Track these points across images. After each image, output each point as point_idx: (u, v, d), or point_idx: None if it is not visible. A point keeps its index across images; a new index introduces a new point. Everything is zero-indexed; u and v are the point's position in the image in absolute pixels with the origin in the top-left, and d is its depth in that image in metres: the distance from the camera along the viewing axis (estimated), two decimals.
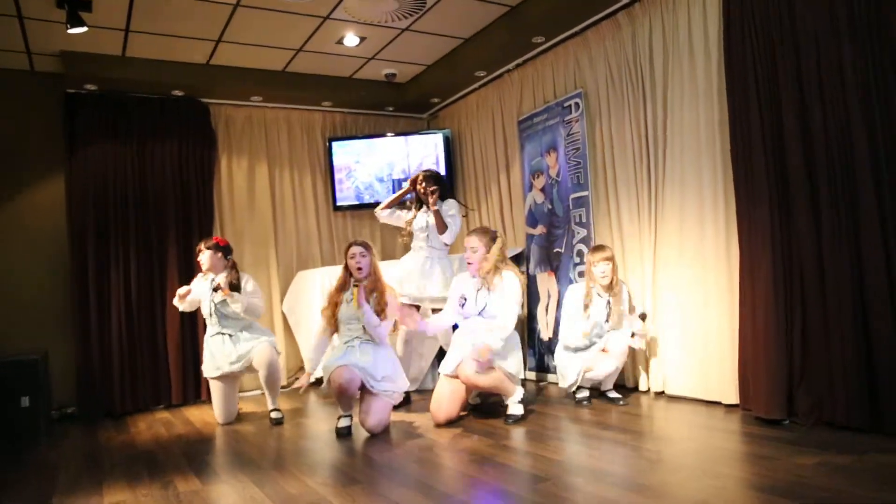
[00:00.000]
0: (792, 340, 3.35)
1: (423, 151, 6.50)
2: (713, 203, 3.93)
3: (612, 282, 4.22)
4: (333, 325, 4.05)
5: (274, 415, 4.49)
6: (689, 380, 4.07)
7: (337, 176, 6.44)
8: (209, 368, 4.57)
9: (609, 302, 4.23)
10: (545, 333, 5.18)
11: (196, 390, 5.52)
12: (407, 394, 4.63)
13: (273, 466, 3.34)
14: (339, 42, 5.31)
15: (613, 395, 4.25)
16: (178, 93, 5.73)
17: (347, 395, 3.84)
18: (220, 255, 4.59)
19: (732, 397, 3.73)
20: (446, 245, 4.79)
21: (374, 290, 4.01)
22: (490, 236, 4.09)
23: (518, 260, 5.48)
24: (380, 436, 3.81)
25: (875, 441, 2.91)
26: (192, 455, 3.69)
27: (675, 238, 4.19)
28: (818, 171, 3.23)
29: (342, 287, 4.07)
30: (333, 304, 4.04)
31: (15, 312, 5.11)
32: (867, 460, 2.68)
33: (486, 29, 5.23)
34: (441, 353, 5.18)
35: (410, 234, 4.81)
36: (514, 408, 3.92)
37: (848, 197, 3.13)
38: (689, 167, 4.09)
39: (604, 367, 4.16)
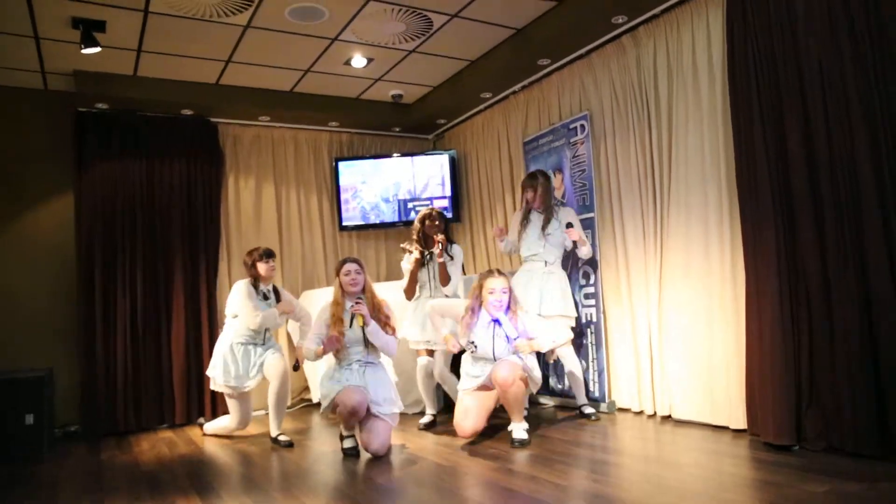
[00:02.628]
0: (799, 365, 3.33)
1: (429, 172, 6.52)
2: (718, 224, 3.93)
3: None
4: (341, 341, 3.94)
5: (282, 438, 4.37)
6: (695, 404, 4.04)
7: (343, 196, 6.47)
8: (229, 380, 4.44)
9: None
10: (549, 357, 5.14)
11: (200, 410, 5.50)
12: (433, 416, 4.62)
13: (276, 488, 3.32)
14: (347, 63, 5.36)
15: (588, 409, 4.47)
16: (187, 112, 5.78)
17: (357, 417, 3.82)
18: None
19: (740, 422, 3.69)
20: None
21: (374, 306, 4.01)
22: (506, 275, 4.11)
23: None
24: (382, 458, 3.78)
25: (885, 468, 2.87)
26: (195, 475, 3.67)
27: (680, 260, 4.18)
28: (823, 192, 3.23)
29: (338, 304, 4.00)
30: (339, 321, 3.95)
31: (21, 329, 5.13)
32: (877, 489, 2.64)
33: (492, 51, 5.28)
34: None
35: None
36: (519, 433, 3.87)
37: (853, 218, 3.12)
38: (694, 189, 4.09)
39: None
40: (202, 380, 5.42)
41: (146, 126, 5.63)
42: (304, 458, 4.03)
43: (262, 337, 4.58)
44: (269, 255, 4.58)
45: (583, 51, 4.92)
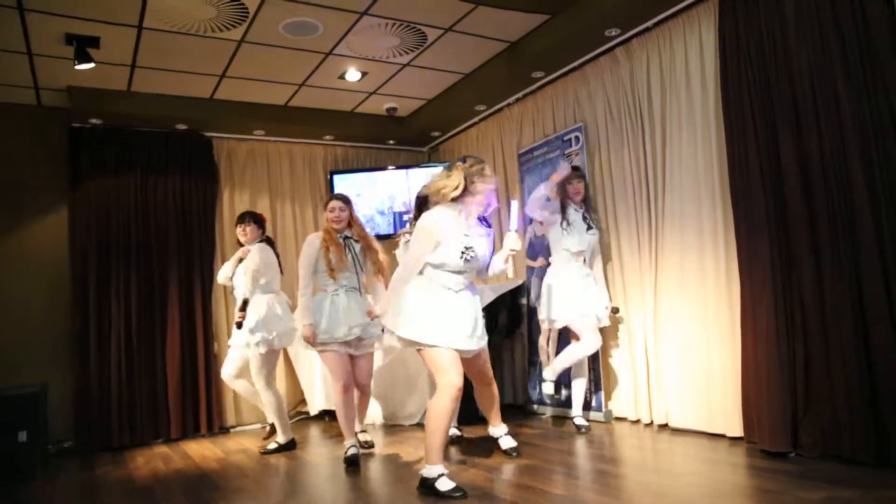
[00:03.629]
0: (795, 372, 3.34)
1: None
2: (713, 234, 3.95)
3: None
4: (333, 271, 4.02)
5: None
6: (692, 412, 4.05)
7: None
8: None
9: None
10: (546, 366, 5.14)
11: (195, 424, 5.47)
12: (460, 433, 4.39)
13: (272, 503, 3.29)
14: (342, 77, 5.39)
15: (581, 421, 4.42)
16: (181, 126, 5.79)
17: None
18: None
19: (736, 430, 3.70)
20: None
21: (368, 248, 4.16)
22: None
23: (518, 292, 5.48)
24: (382, 470, 3.76)
25: (881, 475, 2.88)
26: (191, 491, 3.64)
27: (675, 270, 4.20)
28: (816, 202, 3.26)
29: (330, 240, 4.07)
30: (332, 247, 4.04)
31: (15, 344, 5.09)
32: (873, 496, 2.65)
33: (486, 64, 5.32)
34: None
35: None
36: (507, 441, 3.82)
37: (847, 228, 3.15)
38: (689, 199, 4.12)
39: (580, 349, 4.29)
40: (198, 394, 5.41)
41: (140, 141, 5.64)
42: (301, 471, 4.01)
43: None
44: (238, 220, 4.80)
45: (576, 63, 4.97)
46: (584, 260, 4.45)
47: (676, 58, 4.20)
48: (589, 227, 4.45)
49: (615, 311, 4.57)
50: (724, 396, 3.81)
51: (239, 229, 4.76)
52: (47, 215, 5.40)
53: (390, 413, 5.35)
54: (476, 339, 3.31)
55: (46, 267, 5.32)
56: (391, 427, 5.22)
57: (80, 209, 5.34)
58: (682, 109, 4.18)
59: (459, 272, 3.27)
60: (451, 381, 3.12)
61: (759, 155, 3.53)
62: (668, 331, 4.24)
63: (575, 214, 4.45)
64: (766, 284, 3.45)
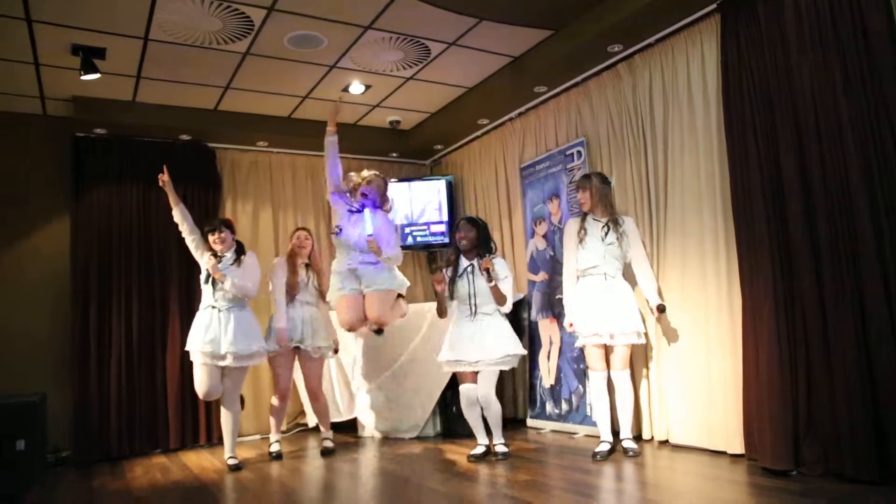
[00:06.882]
0: (797, 389, 3.33)
1: (427, 197, 6.55)
2: (714, 250, 3.95)
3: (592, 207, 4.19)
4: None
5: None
6: (693, 429, 4.03)
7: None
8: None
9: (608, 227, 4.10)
10: (547, 381, 5.13)
11: (194, 434, 5.45)
12: (486, 447, 4.26)
13: None
14: (345, 90, 5.42)
15: (629, 444, 4.00)
16: (185, 137, 5.82)
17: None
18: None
19: (738, 447, 3.68)
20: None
21: (318, 273, 4.89)
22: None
23: (520, 306, 5.47)
24: (379, 482, 3.74)
25: (884, 493, 2.86)
26: (189, 501, 3.62)
27: (676, 284, 4.20)
28: (818, 219, 3.26)
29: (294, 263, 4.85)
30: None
31: (15, 353, 5.08)
32: None
33: (489, 78, 5.34)
34: (443, 401, 5.13)
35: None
36: (501, 448, 4.12)
37: (849, 244, 3.14)
38: (690, 215, 4.13)
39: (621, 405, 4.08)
40: (196, 404, 5.38)
41: (144, 151, 5.66)
42: (298, 483, 3.99)
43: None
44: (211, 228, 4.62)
45: (579, 78, 4.99)
46: (606, 276, 4.09)
47: (679, 74, 4.22)
48: (604, 238, 4.10)
49: (661, 309, 4.06)
50: (725, 413, 3.79)
51: (214, 237, 4.53)
52: (50, 224, 5.42)
53: (391, 426, 5.33)
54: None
55: (48, 276, 5.32)
56: (393, 440, 5.20)
57: (83, 219, 5.35)
58: (683, 125, 4.19)
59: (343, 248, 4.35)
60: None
61: (761, 170, 3.54)
62: (668, 345, 4.23)
63: (593, 227, 4.16)
64: (767, 300, 3.44)
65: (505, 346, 4.14)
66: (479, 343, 4.13)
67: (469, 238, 4.29)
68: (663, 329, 4.26)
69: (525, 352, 4.35)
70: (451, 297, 4.33)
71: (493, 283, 4.11)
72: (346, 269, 4.30)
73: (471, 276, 4.24)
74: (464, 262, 4.31)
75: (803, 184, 3.34)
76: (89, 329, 5.22)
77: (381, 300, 4.27)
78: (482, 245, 4.31)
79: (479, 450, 4.20)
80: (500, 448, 4.14)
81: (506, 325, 4.25)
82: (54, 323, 5.28)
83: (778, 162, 3.47)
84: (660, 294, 4.18)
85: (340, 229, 4.26)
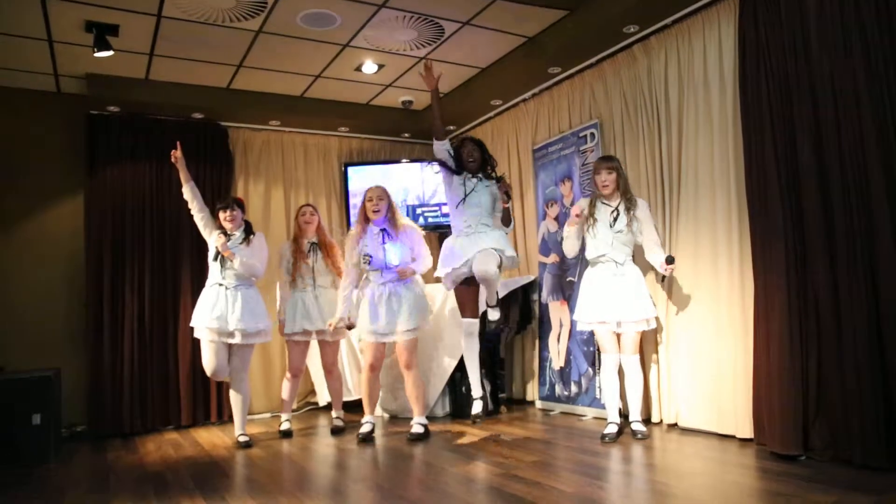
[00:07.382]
0: (807, 375, 3.32)
1: (438, 178, 6.50)
2: (727, 235, 3.92)
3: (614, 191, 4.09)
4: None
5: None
6: (702, 413, 4.03)
7: (352, 201, 6.48)
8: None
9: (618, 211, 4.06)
10: (556, 363, 5.15)
11: (206, 411, 5.52)
12: (483, 399, 4.44)
13: (280, 491, 3.32)
14: (358, 69, 5.39)
15: (638, 426, 4.01)
16: (197, 115, 5.82)
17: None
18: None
19: (747, 431, 3.68)
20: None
21: (329, 248, 4.99)
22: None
23: (530, 288, 5.47)
24: (387, 461, 3.78)
25: (893, 480, 2.86)
26: (201, 477, 3.68)
27: (688, 270, 4.18)
28: (834, 205, 3.23)
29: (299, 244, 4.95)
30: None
31: (30, 329, 5.16)
32: (885, 500, 2.63)
33: (503, 59, 5.30)
34: (451, 383, 5.16)
35: None
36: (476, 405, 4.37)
37: (864, 231, 3.11)
38: (704, 200, 4.10)
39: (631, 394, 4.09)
40: (208, 382, 5.43)
41: (157, 129, 5.67)
42: (310, 460, 4.04)
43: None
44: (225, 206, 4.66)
45: (593, 59, 4.94)
46: (616, 264, 4.05)
47: (695, 56, 4.17)
48: (613, 224, 4.04)
49: (669, 261, 3.90)
50: (734, 397, 3.79)
51: (226, 215, 4.58)
52: (64, 201, 5.46)
53: (400, 407, 5.37)
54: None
55: (62, 253, 5.38)
56: (403, 419, 5.24)
57: (96, 196, 5.38)
58: (699, 108, 4.14)
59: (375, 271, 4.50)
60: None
61: (777, 155, 3.50)
62: (679, 329, 4.22)
63: (602, 212, 4.11)
64: (780, 286, 3.42)
65: (498, 244, 4.20)
66: (477, 247, 4.18)
67: (476, 158, 4.44)
68: (673, 301, 4.25)
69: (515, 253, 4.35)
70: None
71: (508, 204, 4.35)
72: (377, 295, 4.46)
73: (477, 193, 4.38)
74: (472, 181, 4.42)
75: (819, 170, 3.30)
76: (102, 305, 5.27)
77: (408, 350, 4.43)
78: (486, 165, 4.49)
79: (478, 406, 4.40)
80: (494, 313, 4.48)
81: (500, 233, 4.32)
82: (69, 299, 5.35)
83: (794, 147, 3.42)
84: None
85: (371, 258, 4.45)
